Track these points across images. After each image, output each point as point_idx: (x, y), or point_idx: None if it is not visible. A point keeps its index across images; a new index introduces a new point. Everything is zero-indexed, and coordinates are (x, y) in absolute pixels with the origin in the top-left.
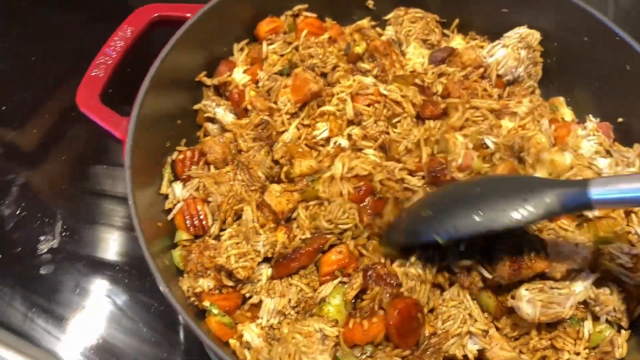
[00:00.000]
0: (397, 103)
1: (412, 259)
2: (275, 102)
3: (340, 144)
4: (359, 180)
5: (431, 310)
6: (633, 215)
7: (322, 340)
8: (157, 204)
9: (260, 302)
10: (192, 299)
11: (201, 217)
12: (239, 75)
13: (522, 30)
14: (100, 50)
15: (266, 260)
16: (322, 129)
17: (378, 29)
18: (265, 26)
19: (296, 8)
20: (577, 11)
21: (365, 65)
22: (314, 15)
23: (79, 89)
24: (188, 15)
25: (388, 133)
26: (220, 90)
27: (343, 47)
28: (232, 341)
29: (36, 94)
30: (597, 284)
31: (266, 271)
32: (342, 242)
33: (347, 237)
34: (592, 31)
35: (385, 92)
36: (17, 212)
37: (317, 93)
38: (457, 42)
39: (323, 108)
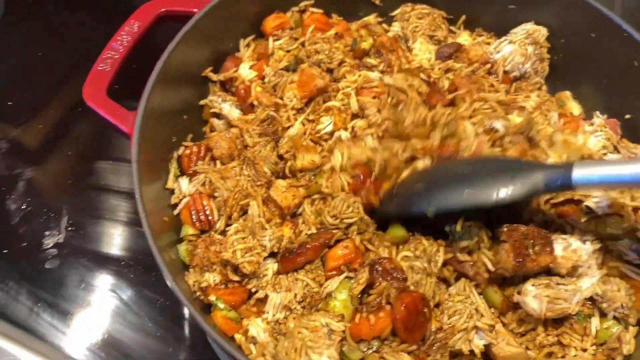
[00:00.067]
0: (402, 91)
1: (412, 246)
2: (281, 98)
3: (340, 136)
4: (356, 168)
5: (437, 305)
6: None
7: (329, 335)
8: (163, 199)
9: (266, 296)
10: (198, 293)
11: (207, 212)
12: (245, 71)
13: (529, 26)
14: (107, 44)
15: (272, 255)
16: (326, 123)
17: (384, 25)
18: (271, 22)
19: (302, 4)
20: (584, 7)
21: (372, 61)
22: (321, 11)
23: (85, 83)
24: (195, 10)
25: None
26: (227, 86)
27: (349, 43)
28: (237, 336)
29: (42, 90)
30: (605, 280)
31: (272, 266)
32: (348, 237)
33: (352, 232)
34: (600, 27)
35: (390, 81)
36: (23, 207)
37: (323, 89)
38: (464, 38)
39: (329, 103)
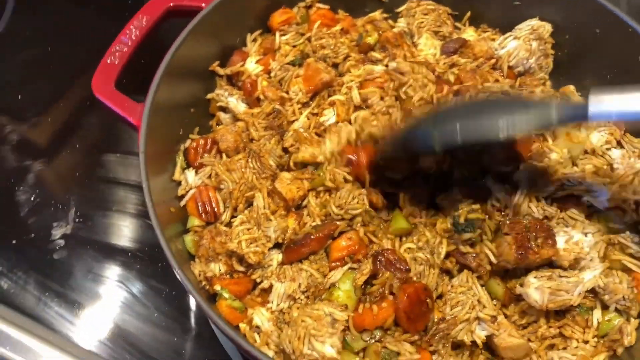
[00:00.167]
0: (406, 72)
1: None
2: (287, 92)
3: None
4: (346, 152)
5: (440, 297)
6: None
7: (332, 323)
8: (170, 190)
9: (271, 286)
10: (204, 283)
11: (213, 203)
12: (252, 66)
13: (534, 22)
14: (116, 38)
15: (277, 246)
16: (329, 115)
17: (390, 21)
18: (278, 17)
19: (309, 0)
20: (589, 3)
21: (377, 55)
22: (327, 7)
23: (94, 76)
24: (202, 5)
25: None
26: (233, 80)
27: (355, 39)
28: (242, 325)
29: (51, 84)
30: (607, 273)
31: (277, 256)
32: (353, 228)
33: (357, 224)
34: (604, 23)
35: (393, 65)
36: (32, 199)
37: (329, 83)
38: (469, 34)
39: (333, 97)
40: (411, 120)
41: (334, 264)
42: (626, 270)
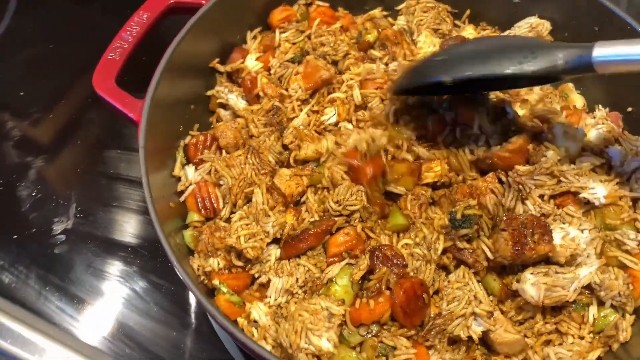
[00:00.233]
0: None
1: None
2: (287, 89)
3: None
4: (352, 157)
5: (437, 292)
6: None
7: (329, 318)
8: (169, 186)
9: (269, 281)
10: (202, 277)
11: (212, 199)
12: (252, 63)
13: (533, 20)
14: (117, 34)
15: (275, 241)
16: (330, 114)
17: (390, 19)
18: (278, 14)
19: None
20: (588, 1)
21: (376, 53)
22: (327, 4)
23: (95, 72)
24: (203, 2)
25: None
26: (233, 77)
27: (355, 36)
28: (240, 320)
29: (53, 81)
30: (603, 270)
31: (275, 252)
32: (351, 224)
33: (355, 220)
34: (603, 21)
35: (393, 67)
36: (33, 194)
37: (328, 80)
38: (469, 32)
39: (333, 95)
40: (425, 58)
41: (331, 260)
42: (622, 267)
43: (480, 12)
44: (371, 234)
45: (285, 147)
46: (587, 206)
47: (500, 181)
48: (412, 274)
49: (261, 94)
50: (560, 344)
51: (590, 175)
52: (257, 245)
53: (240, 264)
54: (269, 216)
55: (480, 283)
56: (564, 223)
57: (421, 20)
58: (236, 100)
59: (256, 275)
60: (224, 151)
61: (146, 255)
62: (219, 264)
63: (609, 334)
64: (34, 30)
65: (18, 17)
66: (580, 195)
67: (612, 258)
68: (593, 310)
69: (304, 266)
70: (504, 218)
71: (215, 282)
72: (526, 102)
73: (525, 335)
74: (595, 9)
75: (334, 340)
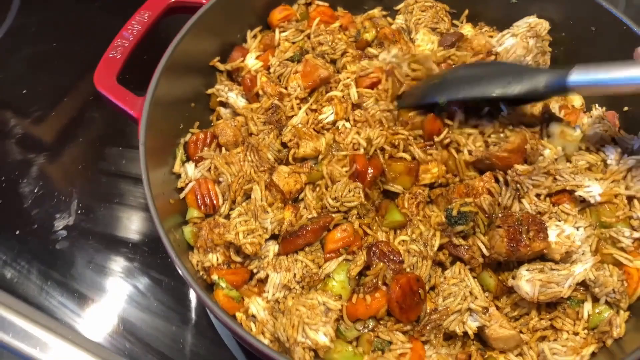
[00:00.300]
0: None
1: (409, 230)
2: (286, 88)
3: (342, 125)
4: (350, 160)
5: (433, 288)
6: (635, 201)
7: (325, 312)
8: (169, 183)
9: (267, 277)
10: (201, 273)
11: (212, 196)
12: (252, 61)
13: (531, 19)
14: (118, 33)
15: (273, 237)
16: (327, 113)
17: (389, 19)
18: (278, 14)
19: None
20: (585, 1)
21: (373, 51)
22: (326, 4)
23: (96, 69)
24: (203, 1)
25: (390, 110)
26: (233, 76)
27: (353, 35)
28: (238, 314)
29: (55, 79)
30: (598, 267)
31: (273, 247)
32: (348, 221)
33: (352, 216)
34: (600, 21)
35: (384, 57)
36: (35, 191)
37: (327, 79)
38: (467, 30)
39: (331, 93)
40: (425, 81)
41: (329, 256)
42: (618, 264)
43: (478, 12)
44: (368, 231)
45: (284, 145)
46: (583, 204)
47: (497, 180)
48: (408, 269)
49: (261, 92)
50: (555, 340)
51: (586, 173)
52: (255, 241)
53: (239, 259)
54: (268, 212)
55: (476, 279)
56: (559, 221)
57: (419, 19)
58: (236, 98)
59: (255, 271)
60: (223, 149)
61: (147, 251)
62: (218, 260)
63: (603, 330)
64: (37, 28)
65: (21, 16)
66: (576, 194)
67: (607, 255)
68: (588, 306)
69: (302, 262)
70: (500, 215)
71: (214, 277)
72: None
73: (520, 331)
74: (592, 9)
75: (331, 334)
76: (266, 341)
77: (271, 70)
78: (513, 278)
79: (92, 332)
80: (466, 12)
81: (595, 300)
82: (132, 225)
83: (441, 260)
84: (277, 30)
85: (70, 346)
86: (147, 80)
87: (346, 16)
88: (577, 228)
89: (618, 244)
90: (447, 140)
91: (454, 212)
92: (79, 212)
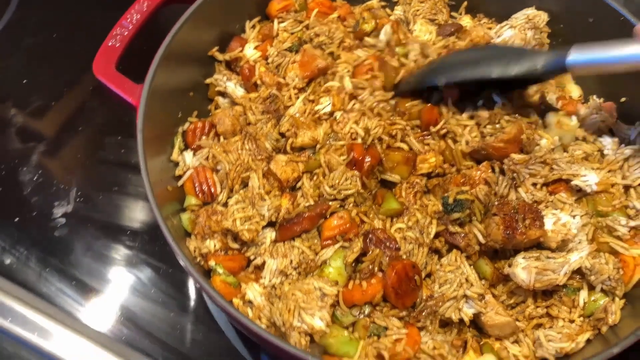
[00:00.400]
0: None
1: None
2: (284, 77)
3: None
4: (347, 149)
5: (429, 275)
6: (632, 190)
7: (321, 297)
8: (168, 170)
9: (264, 263)
10: (199, 259)
11: (210, 184)
12: (250, 52)
13: (530, 11)
14: (117, 22)
15: (270, 224)
16: (324, 104)
17: (387, 10)
18: (276, 4)
19: None
20: None
21: (371, 40)
22: None
23: (95, 58)
24: None
25: (387, 101)
26: (232, 66)
27: (352, 25)
28: (235, 300)
29: (55, 69)
30: (594, 255)
31: (270, 234)
32: (345, 209)
33: (349, 204)
34: (598, 12)
35: (372, 42)
36: (35, 178)
37: (324, 69)
38: (466, 22)
39: (328, 84)
40: (426, 64)
41: (325, 242)
42: (614, 252)
43: (477, 4)
44: (365, 218)
45: (282, 134)
46: (579, 193)
47: (493, 169)
48: (404, 256)
49: (259, 82)
50: (550, 327)
51: (583, 163)
52: (252, 228)
53: (236, 246)
54: (265, 200)
55: (472, 267)
56: (555, 209)
57: (417, 10)
58: (234, 88)
59: (252, 258)
60: (221, 137)
61: (145, 239)
62: (215, 246)
63: (599, 317)
64: (37, 19)
65: (22, 7)
66: (573, 183)
67: (603, 244)
68: (583, 294)
69: (299, 248)
70: (496, 203)
71: (212, 263)
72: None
73: (516, 319)
74: (590, 1)
75: (327, 319)
76: (263, 326)
77: (269, 60)
78: (509, 266)
79: (90, 318)
80: (465, 3)
81: (591, 288)
82: (131, 214)
83: (437, 248)
84: (275, 21)
85: (68, 332)
86: (146, 70)
87: (344, 7)
88: (574, 216)
89: (614, 232)
90: (444, 131)
91: (450, 200)
92: (78, 200)
